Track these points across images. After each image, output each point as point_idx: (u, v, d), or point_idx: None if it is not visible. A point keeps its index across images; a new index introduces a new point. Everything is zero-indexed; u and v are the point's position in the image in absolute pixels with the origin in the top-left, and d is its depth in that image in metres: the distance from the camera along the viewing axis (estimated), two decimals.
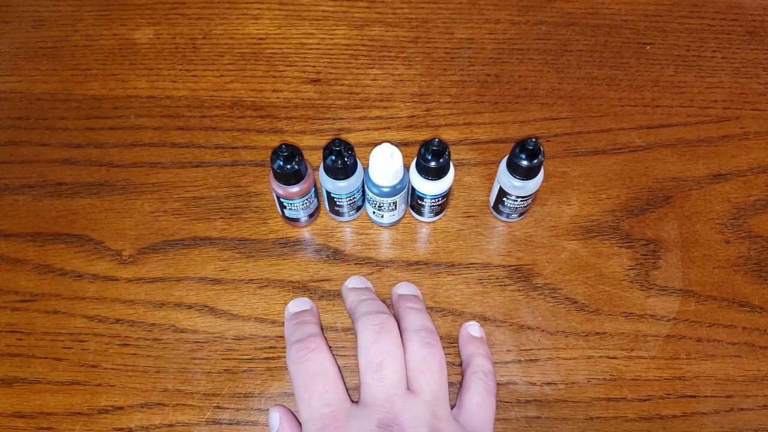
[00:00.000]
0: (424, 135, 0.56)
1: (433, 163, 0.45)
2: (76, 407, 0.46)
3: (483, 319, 0.49)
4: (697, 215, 0.53)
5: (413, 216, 0.52)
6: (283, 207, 0.49)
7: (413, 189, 0.48)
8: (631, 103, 0.58)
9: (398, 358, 0.42)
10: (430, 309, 0.49)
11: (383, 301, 0.49)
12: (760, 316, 0.49)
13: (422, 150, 0.46)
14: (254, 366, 0.47)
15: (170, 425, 0.45)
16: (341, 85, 0.59)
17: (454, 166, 0.48)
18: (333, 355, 0.44)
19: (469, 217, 0.53)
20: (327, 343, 0.44)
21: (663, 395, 0.46)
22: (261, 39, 0.61)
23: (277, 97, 0.58)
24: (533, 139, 0.44)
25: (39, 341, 0.48)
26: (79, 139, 0.56)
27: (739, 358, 0.48)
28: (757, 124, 0.57)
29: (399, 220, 0.52)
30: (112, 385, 0.47)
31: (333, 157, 0.45)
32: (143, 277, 0.50)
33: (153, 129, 0.56)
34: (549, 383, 0.47)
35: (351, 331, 0.48)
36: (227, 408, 0.46)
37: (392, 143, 0.46)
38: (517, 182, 0.46)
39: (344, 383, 0.43)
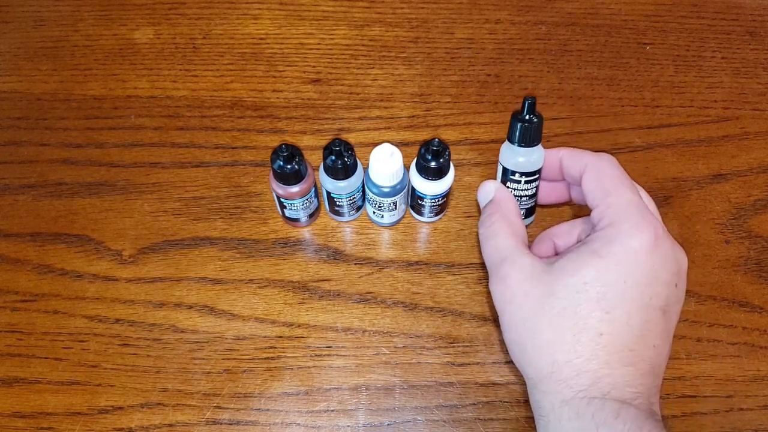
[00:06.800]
0: (424, 135, 0.56)
1: (433, 163, 0.45)
2: (76, 407, 0.46)
3: (483, 320, 0.49)
4: (697, 215, 0.53)
5: (413, 216, 0.52)
6: (283, 207, 0.49)
7: (413, 189, 0.48)
8: (631, 103, 0.58)
9: None
10: (430, 309, 0.49)
11: (382, 301, 0.49)
12: (760, 316, 0.49)
13: (422, 150, 0.46)
14: (254, 366, 0.47)
15: (170, 425, 0.45)
16: (341, 85, 0.59)
17: (454, 166, 0.48)
18: None
19: (469, 217, 0.53)
20: None
21: (663, 395, 0.46)
22: (261, 39, 0.61)
23: (277, 97, 0.58)
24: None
25: (39, 341, 0.48)
26: (79, 139, 0.56)
27: (739, 358, 0.48)
28: (757, 124, 0.57)
29: (399, 220, 0.52)
30: (112, 385, 0.47)
31: (333, 157, 0.45)
32: (143, 277, 0.50)
33: (153, 129, 0.56)
34: None
35: (351, 330, 0.48)
36: (227, 408, 0.46)
37: (392, 143, 0.46)
38: (521, 158, 0.45)
39: None
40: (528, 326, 0.38)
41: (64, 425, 0.45)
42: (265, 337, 0.48)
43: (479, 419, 0.46)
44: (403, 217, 0.52)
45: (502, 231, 0.42)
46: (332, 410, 0.46)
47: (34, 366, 0.47)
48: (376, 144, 0.46)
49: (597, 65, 0.60)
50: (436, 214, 0.51)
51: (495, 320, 0.49)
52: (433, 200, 0.48)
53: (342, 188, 0.47)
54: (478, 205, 0.47)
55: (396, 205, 0.49)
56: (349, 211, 0.50)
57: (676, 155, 0.55)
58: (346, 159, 0.45)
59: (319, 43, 0.61)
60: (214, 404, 0.46)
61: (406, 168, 0.48)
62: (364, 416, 0.46)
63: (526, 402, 0.46)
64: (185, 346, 0.48)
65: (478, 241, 0.44)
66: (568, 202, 0.49)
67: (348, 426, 0.45)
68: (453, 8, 0.63)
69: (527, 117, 0.43)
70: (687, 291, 0.49)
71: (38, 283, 0.50)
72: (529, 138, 0.44)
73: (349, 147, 0.46)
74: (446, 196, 0.49)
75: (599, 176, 0.41)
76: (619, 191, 0.40)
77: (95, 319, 0.49)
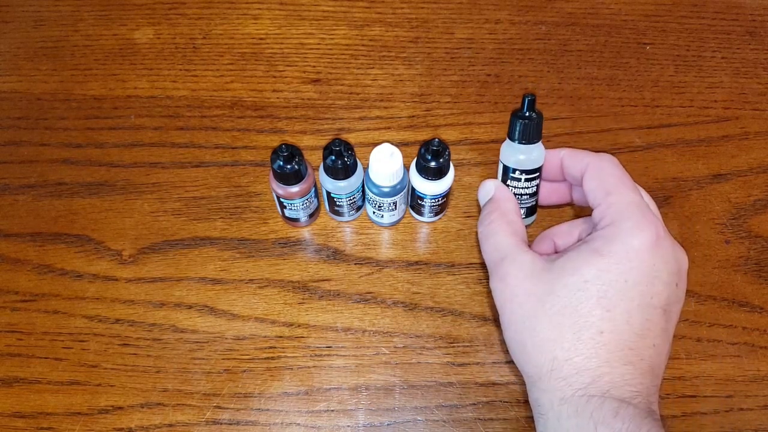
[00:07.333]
0: (424, 135, 0.56)
1: (433, 163, 0.45)
2: (76, 407, 0.46)
3: (483, 320, 0.49)
4: (697, 215, 0.53)
5: (413, 216, 0.52)
6: (283, 207, 0.49)
7: (413, 189, 0.48)
8: (631, 103, 0.58)
9: None
10: (430, 309, 0.49)
11: (382, 301, 0.49)
12: (760, 316, 0.49)
13: (422, 150, 0.46)
14: (254, 366, 0.47)
15: (170, 425, 0.45)
16: (341, 85, 0.59)
17: (454, 166, 0.48)
18: None
19: (469, 217, 0.53)
20: None
21: (663, 395, 0.46)
22: (261, 39, 0.61)
23: (277, 97, 0.58)
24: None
25: (39, 341, 0.48)
26: (79, 139, 0.56)
27: (739, 358, 0.48)
28: (757, 124, 0.57)
29: (399, 220, 0.52)
30: (112, 385, 0.47)
31: (333, 157, 0.45)
32: (143, 277, 0.50)
33: (153, 129, 0.56)
34: None
35: (351, 330, 0.48)
36: (227, 408, 0.46)
37: (392, 143, 0.46)
38: (522, 156, 0.45)
39: None
40: (528, 324, 0.38)
41: (64, 425, 0.45)
42: (265, 337, 0.48)
43: (479, 419, 0.46)
44: (403, 217, 0.52)
45: (501, 229, 0.42)
46: (332, 410, 0.46)
47: (34, 366, 0.47)
48: (376, 144, 0.46)
49: (597, 65, 0.60)
50: (436, 214, 0.51)
51: (495, 320, 0.49)
52: (433, 200, 0.48)
53: (342, 188, 0.47)
54: (478, 205, 0.47)
55: (396, 205, 0.49)
56: (349, 211, 0.50)
57: (676, 155, 0.55)
58: (346, 159, 0.45)
59: (319, 43, 0.61)
60: (214, 404, 0.46)
61: (406, 168, 0.48)
62: (364, 416, 0.46)
63: (526, 402, 0.46)
64: (185, 346, 0.48)
65: (478, 241, 0.44)
66: (570, 204, 0.49)
67: (348, 426, 0.45)
68: (453, 8, 0.63)
69: (527, 114, 0.43)
70: (687, 291, 0.49)
71: (38, 283, 0.50)
72: (529, 135, 0.44)
73: (349, 147, 0.46)
74: (446, 196, 0.49)
75: (600, 176, 0.41)
76: (620, 191, 0.40)
77: (95, 319, 0.49)
